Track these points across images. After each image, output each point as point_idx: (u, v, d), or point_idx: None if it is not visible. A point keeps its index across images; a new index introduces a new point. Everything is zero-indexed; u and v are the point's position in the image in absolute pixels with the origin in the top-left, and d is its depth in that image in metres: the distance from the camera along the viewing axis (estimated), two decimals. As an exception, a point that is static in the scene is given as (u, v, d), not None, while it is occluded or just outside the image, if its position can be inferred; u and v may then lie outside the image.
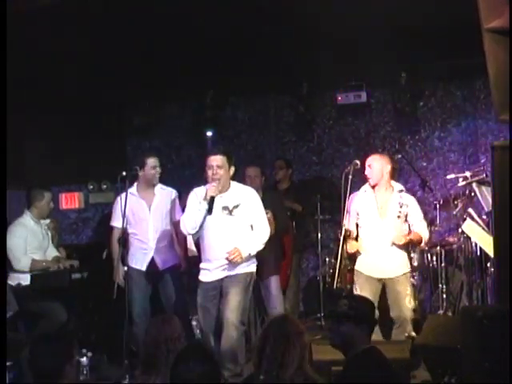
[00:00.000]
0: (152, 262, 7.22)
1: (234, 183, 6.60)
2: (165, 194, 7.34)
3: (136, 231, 7.20)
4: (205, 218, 6.42)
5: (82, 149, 9.53)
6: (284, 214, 7.96)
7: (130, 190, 7.15)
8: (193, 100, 10.32)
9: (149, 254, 7.21)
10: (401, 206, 6.92)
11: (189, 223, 6.51)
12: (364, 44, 7.74)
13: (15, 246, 7.47)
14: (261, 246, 6.57)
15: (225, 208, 6.47)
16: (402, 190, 7.04)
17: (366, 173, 6.98)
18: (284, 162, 9.35)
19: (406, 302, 6.83)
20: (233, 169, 6.53)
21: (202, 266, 6.70)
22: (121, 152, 10.57)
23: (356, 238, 6.96)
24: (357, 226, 6.97)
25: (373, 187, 6.99)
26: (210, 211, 6.37)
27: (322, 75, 9.31)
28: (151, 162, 7.21)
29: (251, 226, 6.57)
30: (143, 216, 7.20)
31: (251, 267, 6.63)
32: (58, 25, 6.85)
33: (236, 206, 6.47)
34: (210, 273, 6.61)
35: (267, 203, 7.67)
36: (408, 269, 7.03)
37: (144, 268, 7.20)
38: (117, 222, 7.23)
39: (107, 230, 7.78)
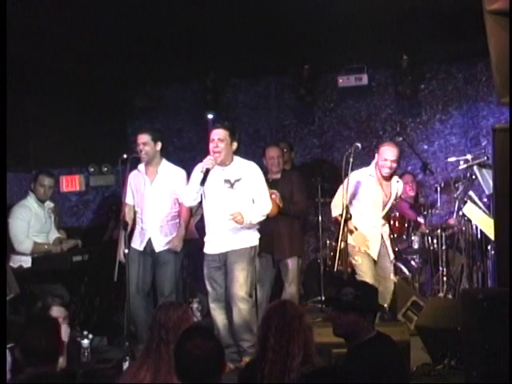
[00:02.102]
0: (150, 243, 7.17)
1: (237, 158, 6.75)
2: (169, 173, 7.24)
3: (138, 209, 7.22)
4: (201, 189, 6.62)
5: (83, 131, 9.53)
6: (302, 195, 7.99)
7: (138, 167, 7.23)
8: (194, 83, 10.30)
9: (146, 234, 7.16)
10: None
11: (187, 194, 6.76)
12: (365, 27, 7.71)
13: (18, 227, 7.48)
14: (261, 218, 6.70)
15: (226, 181, 6.63)
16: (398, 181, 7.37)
17: (390, 166, 7.12)
18: (287, 144, 9.35)
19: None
20: (235, 144, 6.68)
21: (205, 238, 6.83)
22: (122, 135, 10.56)
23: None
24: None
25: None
26: (202, 183, 6.52)
27: (324, 58, 9.29)
28: (138, 138, 7.18)
29: (252, 200, 6.68)
30: (143, 192, 7.17)
31: (254, 241, 6.73)
32: (59, 7, 6.81)
33: (237, 180, 6.62)
34: (212, 244, 6.73)
35: (285, 183, 7.71)
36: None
37: (141, 248, 7.16)
38: (127, 199, 7.27)
39: (108, 212, 7.78)
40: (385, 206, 7.21)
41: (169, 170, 7.27)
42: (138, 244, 7.18)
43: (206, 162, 6.51)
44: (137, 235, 7.21)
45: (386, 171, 7.09)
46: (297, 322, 4.02)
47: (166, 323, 4.37)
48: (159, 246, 7.15)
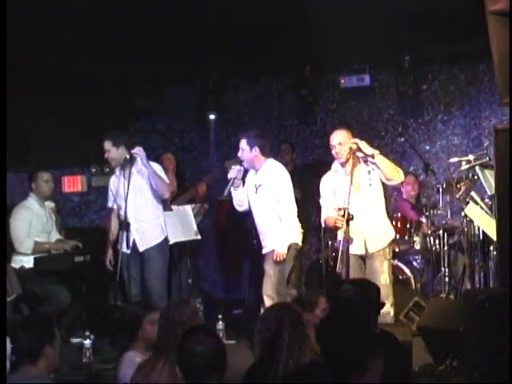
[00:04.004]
0: (134, 243, 7.13)
1: (269, 161, 7.02)
2: (144, 170, 7.16)
3: (122, 212, 7.15)
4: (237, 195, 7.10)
5: (84, 132, 9.52)
6: None
7: (115, 170, 7.31)
8: (195, 83, 10.30)
9: (131, 236, 7.10)
10: (369, 173, 6.73)
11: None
12: (367, 27, 7.71)
13: (19, 228, 7.49)
14: (291, 229, 6.95)
15: (254, 186, 6.95)
16: (366, 160, 6.76)
17: (335, 151, 6.77)
18: (289, 145, 9.34)
19: (381, 279, 6.59)
20: (256, 148, 6.90)
21: None
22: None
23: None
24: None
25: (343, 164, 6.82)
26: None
27: (325, 58, 9.28)
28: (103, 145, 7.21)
29: (277, 200, 6.91)
30: (123, 194, 7.10)
31: (291, 238, 6.93)
32: (59, 6, 6.81)
33: (260, 185, 6.93)
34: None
35: None
36: (384, 245, 6.82)
37: (129, 250, 7.09)
38: (109, 202, 7.48)
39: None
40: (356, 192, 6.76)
41: (142, 169, 7.18)
42: (124, 247, 7.12)
43: (231, 172, 6.97)
44: (123, 238, 7.14)
45: (335, 156, 6.80)
46: (304, 318, 4.03)
47: (181, 320, 4.40)
48: (142, 245, 7.16)
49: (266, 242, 6.95)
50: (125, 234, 7.13)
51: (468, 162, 7.72)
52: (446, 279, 8.20)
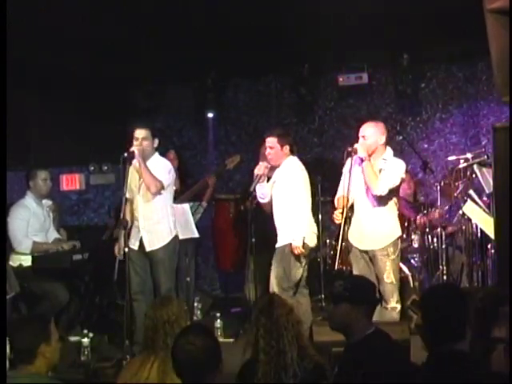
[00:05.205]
0: (142, 241, 7.04)
1: (289, 159, 7.09)
2: (156, 166, 7.06)
3: (134, 206, 7.07)
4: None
5: (83, 130, 9.53)
6: None
7: (133, 163, 7.06)
8: (194, 82, 10.29)
9: (139, 232, 7.04)
10: (380, 171, 6.67)
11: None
12: (366, 26, 7.72)
13: (17, 227, 7.48)
14: (303, 230, 6.94)
15: (273, 181, 7.10)
16: (385, 159, 6.75)
17: (360, 142, 6.72)
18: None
19: (384, 278, 6.66)
20: (287, 147, 7.05)
21: None
22: (122, 133, 10.53)
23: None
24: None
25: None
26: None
27: (324, 56, 9.29)
28: (138, 133, 7.03)
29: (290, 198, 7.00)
30: (135, 189, 7.04)
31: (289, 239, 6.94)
32: (60, 6, 6.82)
33: (274, 182, 7.08)
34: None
35: None
36: (386, 243, 6.76)
37: (136, 247, 7.02)
38: (126, 192, 7.16)
39: (108, 211, 7.78)
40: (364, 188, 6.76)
41: (156, 164, 7.10)
42: (132, 243, 7.05)
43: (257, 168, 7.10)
44: (132, 234, 7.08)
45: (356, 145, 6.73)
46: (284, 319, 4.03)
47: (170, 318, 4.40)
48: (150, 245, 7.04)
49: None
50: (134, 230, 7.06)
51: (466, 160, 7.74)
52: (444, 277, 8.21)
